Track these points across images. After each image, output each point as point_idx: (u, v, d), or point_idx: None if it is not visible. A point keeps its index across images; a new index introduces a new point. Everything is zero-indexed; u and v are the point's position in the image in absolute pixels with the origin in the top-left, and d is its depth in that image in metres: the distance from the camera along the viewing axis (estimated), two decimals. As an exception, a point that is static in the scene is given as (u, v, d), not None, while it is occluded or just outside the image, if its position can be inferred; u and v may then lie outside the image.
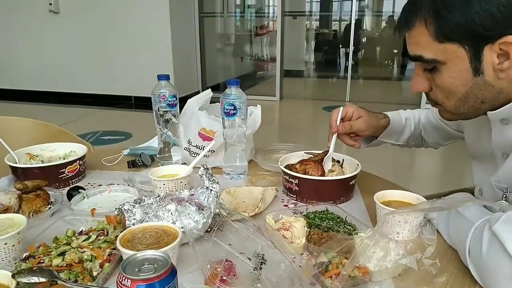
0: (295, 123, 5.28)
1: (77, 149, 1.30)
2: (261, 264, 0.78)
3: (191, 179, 1.11)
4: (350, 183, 1.06)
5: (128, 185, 1.18)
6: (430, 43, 0.80)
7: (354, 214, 0.93)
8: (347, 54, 7.72)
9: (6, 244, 0.78)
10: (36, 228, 0.93)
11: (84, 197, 1.07)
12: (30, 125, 1.81)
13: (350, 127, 1.11)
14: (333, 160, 1.14)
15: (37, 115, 1.89)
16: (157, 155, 1.35)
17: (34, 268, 0.66)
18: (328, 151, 1.14)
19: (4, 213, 0.91)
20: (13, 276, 0.64)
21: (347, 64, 7.21)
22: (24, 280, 0.64)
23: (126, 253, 0.72)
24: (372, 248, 0.66)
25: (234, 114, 1.17)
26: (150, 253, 0.59)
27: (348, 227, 0.88)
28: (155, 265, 0.57)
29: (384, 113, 1.20)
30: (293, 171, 1.08)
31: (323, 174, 1.07)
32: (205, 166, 0.93)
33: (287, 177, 1.09)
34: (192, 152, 1.33)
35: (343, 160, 1.16)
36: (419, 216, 0.83)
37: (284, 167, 1.11)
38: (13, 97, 6.22)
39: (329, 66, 9.60)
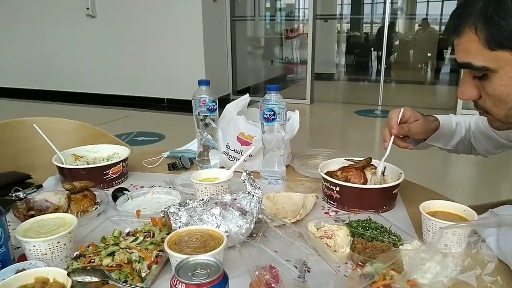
0: (327, 127, 5.24)
1: (120, 151, 1.33)
2: (305, 272, 0.78)
3: (231, 183, 1.12)
4: (393, 192, 1.05)
5: (169, 187, 1.20)
6: (480, 50, 0.78)
7: (397, 224, 0.92)
8: (379, 57, 7.61)
9: (58, 242, 0.81)
10: (84, 228, 0.97)
11: (128, 199, 1.09)
12: (73, 126, 1.88)
13: (408, 130, 1.09)
14: (373, 166, 1.13)
15: (75, 116, 1.95)
16: (197, 158, 1.38)
17: (88, 268, 0.68)
18: (370, 158, 1.12)
19: (55, 212, 0.94)
20: (68, 274, 0.67)
21: (379, 67, 7.11)
22: (79, 279, 0.66)
23: (175, 256, 0.73)
24: (427, 263, 0.64)
25: (273, 119, 1.17)
26: (202, 258, 0.60)
27: (393, 237, 0.86)
28: (208, 270, 0.58)
29: (435, 115, 1.18)
30: (334, 178, 1.07)
31: (365, 182, 1.05)
32: (247, 172, 0.94)
33: (327, 184, 1.08)
34: (230, 156, 1.34)
35: (385, 168, 1.15)
36: (467, 230, 0.81)
37: (325, 174, 1.10)
38: (53, 98, 6.47)
39: (361, 69, 9.49)
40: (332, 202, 1.09)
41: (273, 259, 0.78)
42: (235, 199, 0.93)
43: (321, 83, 7.53)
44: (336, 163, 1.19)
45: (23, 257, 0.83)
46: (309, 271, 0.79)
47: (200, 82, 1.30)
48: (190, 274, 0.57)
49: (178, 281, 0.56)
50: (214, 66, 5.95)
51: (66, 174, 1.21)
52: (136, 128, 4.95)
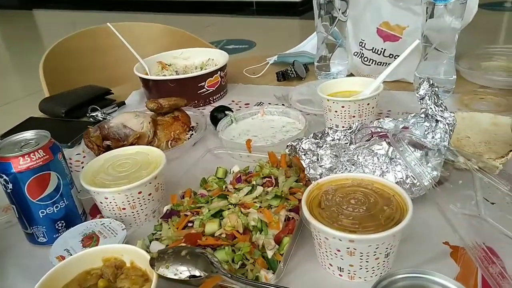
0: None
1: (216, 57, 1.02)
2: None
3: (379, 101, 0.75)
4: None
5: (283, 104, 0.87)
6: None
7: None
8: None
9: (140, 193, 0.54)
10: (176, 163, 0.70)
11: (232, 121, 0.79)
12: (159, 31, 1.59)
13: None
14: None
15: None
16: (316, 64, 1.00)
17: (183, 253, 0.40)
18: None
19: (136, 143, 0.67)
20: (152, 263, 0.39)
21: None
22: (169, 274, 0.39)
23: (331, 233, 0.41)
24: None
25: (449, -4, 0.73)
26: (429, 281, 0.26)
27: None
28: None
29: None
30: None
31: None
32: (430, 81, 0.56)
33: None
34: (365, 59, 0.95)
35: None
36: None
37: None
38: (140, 7, 6.28)
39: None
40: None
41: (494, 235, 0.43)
42: (406, 127, 0.57)
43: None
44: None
45: (97, 209, 0.59)
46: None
47: None
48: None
49: None
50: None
51: (151, 88, 0.93)
52: (224, 35, 4.61)
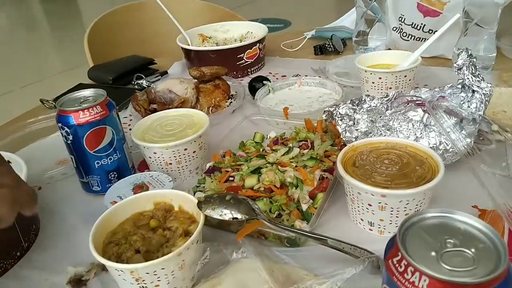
0: None
1: (255, 30, 1.04)
2: None
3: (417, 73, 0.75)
4: None
5: (320, 76, 0.89)
6: None
7: None
8: None
9: (186, 149, 0.58)
10: (216, 128, 0.74)
11: (269, 91, 0.82)
12: (199, 7, 1.63)
13: None
14: None
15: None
16: (354, 38, 1.01)
17: (227, 198, 0.44)
18: None
19: (181, 107, 0.72)
20: (199, 205, 0.44)
21: None
22: (215, 214, 0.43)
23: (365, 188, 0.44)
24: None
25: (495, -32, 0.72)
26: (451, 215, 0.29)
27: None
28: (472, 250, 0.27)
29: None
30: None
31: None
32: (469, 52, 0.57)
33: None
34: (404, 34, 0.95)
35: None
36: None
37: None
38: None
39: None
40: None
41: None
42: (442, 96, 0.58)
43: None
44: None
45: (144, 164, 0.64)
46: None
47: None
48: (433, 253, 0.27)
49: (411, 267, 0.27)
50: None
51: (193, 58, 0.97)
52: (260, 14, 4.60)
